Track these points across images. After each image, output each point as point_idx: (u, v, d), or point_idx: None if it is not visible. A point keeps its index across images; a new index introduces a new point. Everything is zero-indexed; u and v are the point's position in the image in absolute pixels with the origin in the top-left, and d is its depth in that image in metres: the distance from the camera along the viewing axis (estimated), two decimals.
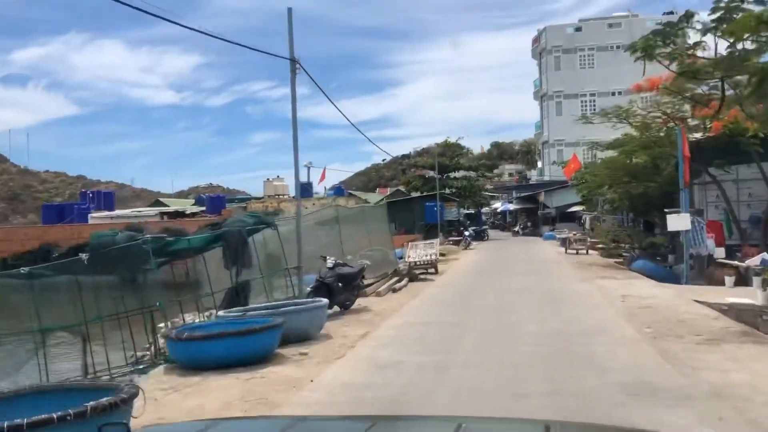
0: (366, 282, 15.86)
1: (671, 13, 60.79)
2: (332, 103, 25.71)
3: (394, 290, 17.80)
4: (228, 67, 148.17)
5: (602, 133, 50.38)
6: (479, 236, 45.87)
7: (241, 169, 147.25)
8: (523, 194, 57.84)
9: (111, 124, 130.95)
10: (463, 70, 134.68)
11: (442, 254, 27.37)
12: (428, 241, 25.26)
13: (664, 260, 23.07)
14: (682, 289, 15.92)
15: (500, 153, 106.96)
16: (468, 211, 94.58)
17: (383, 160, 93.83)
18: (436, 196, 39.72)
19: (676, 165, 18.86)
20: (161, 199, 58.29)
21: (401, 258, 23.68)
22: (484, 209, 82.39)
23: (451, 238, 38.78)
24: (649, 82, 27.22)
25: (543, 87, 61.01)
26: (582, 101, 59.27)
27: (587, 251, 28.38)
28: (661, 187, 22.30)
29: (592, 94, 58.94)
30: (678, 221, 17.50)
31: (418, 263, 21.82)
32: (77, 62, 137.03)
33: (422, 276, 21.28)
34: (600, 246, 28.36)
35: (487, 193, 51.22)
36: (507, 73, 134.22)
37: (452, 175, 48.62)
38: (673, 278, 18.64)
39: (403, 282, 19.31)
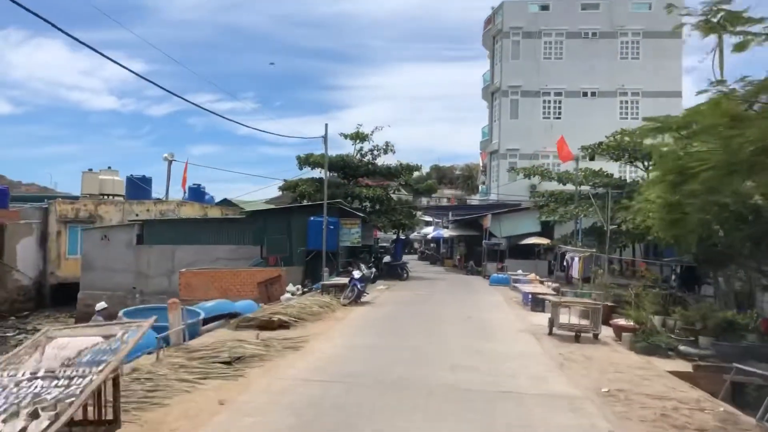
0: None
1: None
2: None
3: None
4: (173, 77, 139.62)
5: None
6: (396, 273, 30.72)
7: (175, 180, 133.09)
8: (462, 217, 43.17)
9: (44, 126, 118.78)
10: (409, 99, 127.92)
11: (279, 324, 12.10)
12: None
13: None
14: None
15: (440, 177, 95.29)
16: (401, 237, 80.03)
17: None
18: (323, 208, 24.32)
19: None
20: None
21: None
22: (414, 235, 67.54)
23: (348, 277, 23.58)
24: None
25: (495, 80, 47.10)
26: (545, 101, 45.50)
27: (596, 333, 13.05)
28: None
29: (558, 93, 45.30)
30: None
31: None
32: (14, 60, 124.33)
33: None
34: (632, 327, 12.98)
35: (416, 211, 35.89)
36: (453, 104, 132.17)
37: (365, 181, 33.36)
38: None
39: None
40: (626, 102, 44.80)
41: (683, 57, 44.25)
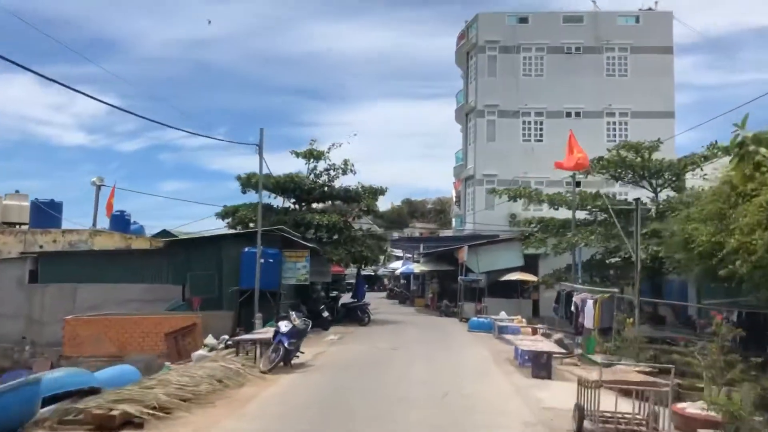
0: None
1: (650, 9, 44.96)
2: None
3: None
4: (144, 112, 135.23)
5: (548, 169, 31.94)
6: (355, 317, 25.41)
7: (145, 216, 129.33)
8: (434, 250, 38.07)
9: (11, 160, 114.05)
10: (384, 136, 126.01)
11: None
12: None
13: None
14: None
15: (411, 210, 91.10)
16: (366, 272, 74.21)
17: None
18: (257, 237, 19.06)
19: None
20: None
21: None
22: (382, 270, 62.12)
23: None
24: None
25: (470, 100, 42.66)
26: (525, 122, 41.12)
27: (656, 429, 7.83)
28: None
29: (539, 113, 40.98)
30: None
31: None
32: None
33: None
34: (712, 421, 7.66)
35: (381, 242, 30.69)
36: (428, 142, 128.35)
37: (318, 206, 28.15)
38: None
39: None
40: (614, 123, 40.66)
41: (675, 74, 40.42)
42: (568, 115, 40.89)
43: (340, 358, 15.03)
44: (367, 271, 73.78)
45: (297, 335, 12.87)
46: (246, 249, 20.55)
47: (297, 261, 21.81)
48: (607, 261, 21.66)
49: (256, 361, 13.05)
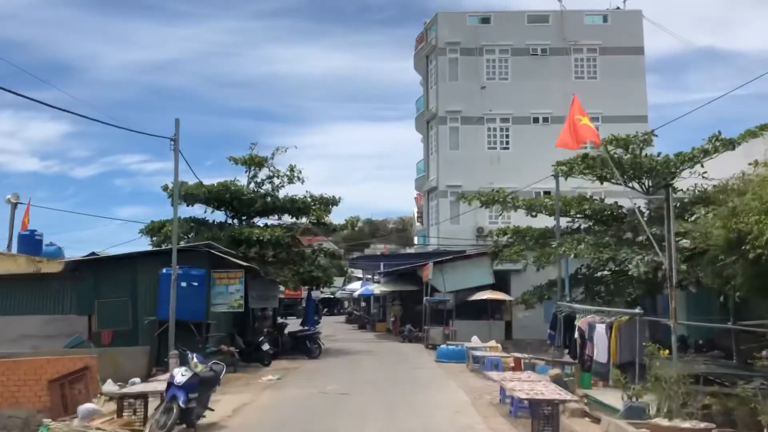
0: None
1: (618, 8, 42.76)
2: None
3: None
4: (99, 138, 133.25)
5: (515, 178, 29.61)
6: (303, 349, 21.64)
7: (97, 245, 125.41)
8: (396, 268, 34.52)
9: None
10: (344, 158, 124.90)
11: None
12: None
13: None
14: None
15: (372, 231, 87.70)
16: (327, 296, 69.93)
17: None
18: (172, 255, 15.26)
19: None
20: None
21: None
22: (340, 293, 58.31)
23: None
24: None
25: (430, 106, 39.61)
26: (490, 129, 38.21)
27: None
28: None
29: (505, 119, 38.14)
30: None
31: None
32: None
33: None
34: None
35: (336, 260, 27.06)
36: (388, 163, 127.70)
37: (261, 221, 24.41)
38: None
39: None
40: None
41: (647, 75, 38.16)
42: (536, 120, 38.17)
43: (269, 414, 11.20)
44: (326, 293, 69.93)
45: (200, 387, 9.12)
46: (164, 270, 16.69)
47: (229, 283, 18.00)
48: (596, 275, 18.49)
49: (146, 423, 9.24)
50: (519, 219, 24.85)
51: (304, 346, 21.55)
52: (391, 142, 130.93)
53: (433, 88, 39.91)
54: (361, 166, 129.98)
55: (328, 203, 24.88)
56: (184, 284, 16.87)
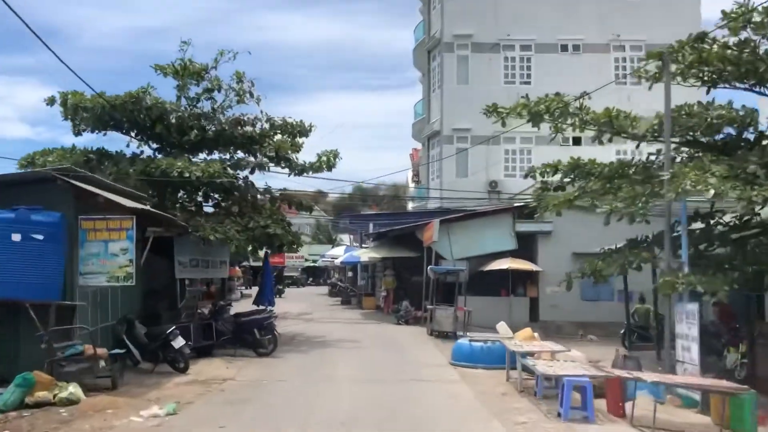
0: None
1: None
2: None
3: None
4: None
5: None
6: (252, 341, 14.34)
7: None
8: (390, 228, 27.01)
9: None
10: (332, 127, 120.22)
11: None
12: None
13: None
14: None
15: (363, 197, 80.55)
16: (311, 263, 62.09)
17: None
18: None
19: None
20: None
21: None
22: (324, 260, 50.90)
23: None
24: None
25: (433, 31, 31.94)
26: (507, 58, 30.61)
27: None
28: None
29: (526, 47, 30.56)
30: None
31: None
32: None
33: None
34: None
35: (305, 210, 19.48)
36: (380, 133, 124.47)
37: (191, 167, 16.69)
38: None
39: None
40: (623, 59, 30.55)
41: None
42: (564, 49, 30.60)
43: None
44: (310, 261, 62.60)
45: None
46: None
47: (111, 238, 10.62)
48: (718, 230, 11.24)
49: None
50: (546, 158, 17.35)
51: (251, 338, 14.28)
52: (383, 112, 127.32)
53: (436, 7, 32.13)
54: (353, 136, 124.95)
55: (294, 132, 17.42)
56: (18, 237, 9.57)
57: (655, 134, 11.95)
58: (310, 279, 64.80)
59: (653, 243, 12.29)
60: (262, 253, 19.01)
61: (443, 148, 30.57)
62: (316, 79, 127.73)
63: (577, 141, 29.33)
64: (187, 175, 14.59)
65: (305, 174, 17.64)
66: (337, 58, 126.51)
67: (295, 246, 17.88)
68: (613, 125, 12.04)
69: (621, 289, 23.05)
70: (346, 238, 50.62)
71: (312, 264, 60.28)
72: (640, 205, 10.46)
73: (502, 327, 16.00)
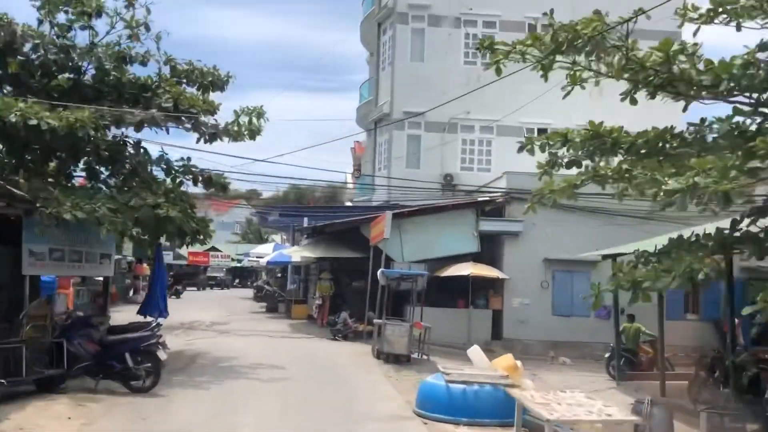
0: None
1: None
2: None
3: None
4: None
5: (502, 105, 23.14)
6: (110, 370, 9.65)
7: None
8: (327, 223, 22.43)
9: None
10: (274, 127, 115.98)
11: None
12: None
13: None
14: None
15: (298, 199, 75.74)
16: (237, 264, 56.30)
17: None
18: None
19: None
20: None
21: None
22: (249, 260, 45.58)
23: None
24: None
25: (384, 0, 27.81)
26: (469, 35, 26.71)
27: None
28: None
29: (490, 23, 26.83)
30: None
31: None
32: None
33: None
34: None
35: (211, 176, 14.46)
36: (319, 134, 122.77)
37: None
38: None
39: None
40: None
41: None
42: (532, 28, 26.83)
43: None
44: (236, 262, 57.08)
45: None
46: None
47: None
48: None
49: None
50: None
51: (121, 365, 9.61)
52: (324, 114, 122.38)
53: None
54: (292, 136, 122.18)
55: (204, 83, 12.82)
56: None
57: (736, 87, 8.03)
58: (237, 281, 59.40)
59: (717, 242, 8.40)
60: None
61: (393, 134, 26.44)
62: (255, 77, 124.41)
63: (542, 133, 25.95)
64: (34, 123, 9.79)
65: (219, 139, 13.07)
66: (276, 58, 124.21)
67: (201, 237, 13.25)
68: (671, 68, 8.06)
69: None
70: (279, 237, 45.77)
71: (238, 265, 54.99)
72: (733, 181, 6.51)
73: (476, 353, 11.96)
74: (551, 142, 9.93)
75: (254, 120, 12.75)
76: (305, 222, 24.05)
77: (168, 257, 55.10)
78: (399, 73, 26.57)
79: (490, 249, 19.98)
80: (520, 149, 10.65)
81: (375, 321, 14.66)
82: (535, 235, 19.44)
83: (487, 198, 20.25)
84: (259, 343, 17.17)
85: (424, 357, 14.97)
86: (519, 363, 12.18)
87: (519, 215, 19.55)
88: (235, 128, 12.98)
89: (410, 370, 13.28)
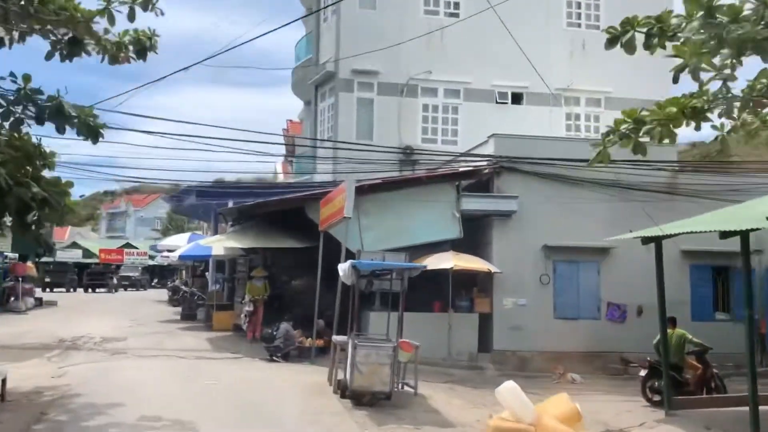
0: None
1: None
2: None
3: None
4: None
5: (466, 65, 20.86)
6: None
7: None
8: (259, 202, 17.17)
9: None
10: (194, 121, 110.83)
11: None
12: None
13: None
14: None
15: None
16: (154, 261, 48.82)
17: None
18: None
19: None
20: None
21: None
22: (161, 256, 39.22)
23: None
24: None
25: None
26: None
27: None
28: None
29: None
30: None
31: None
32: None
33: None
34: None
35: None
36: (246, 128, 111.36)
37: None
38: None
39: None
40: None
41: None
42: None
43: None
44: (149, 258, 49.99)
45: None
46: None
47: None
48: None
49: None
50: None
51: None
52: (251, 109, 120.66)
53: None
54: (216, 131, 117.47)
55: None
56: None
57: None
58: (155, 281, 52.77)
59: None
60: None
61: (339, 97, 21.43)
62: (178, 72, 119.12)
63: (517, 98, 21.81)
64: None
65: (84, 52, 7.75)
66: (199, 51, 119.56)
67: (57, 211, 7.89)
68: None
69: (611, 301, 15.73)
70: (203, 228, 39.70)
71: (155, 263, 48.50)
72: None
73: (510, 394, 7.32)
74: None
75: (146, 38, 7.60)
76: (230, 204, 18.57)
77: (76, 255, 48.43)
78: (346, 24, 21.58)
79: (475, 235, 15.38)
80: (591, 162, 6.38)
81: (336, 339, 9.67)
82: (533, 216, 15.15)
83: (471, 168, 15.57)
84: (164, 370, 11.88)
85: (408, 388, 10.16)
86: (578, 407, 7.68)
87: (511, 190, 15.16)
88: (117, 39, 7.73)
89: (397, 416, 8.46)
